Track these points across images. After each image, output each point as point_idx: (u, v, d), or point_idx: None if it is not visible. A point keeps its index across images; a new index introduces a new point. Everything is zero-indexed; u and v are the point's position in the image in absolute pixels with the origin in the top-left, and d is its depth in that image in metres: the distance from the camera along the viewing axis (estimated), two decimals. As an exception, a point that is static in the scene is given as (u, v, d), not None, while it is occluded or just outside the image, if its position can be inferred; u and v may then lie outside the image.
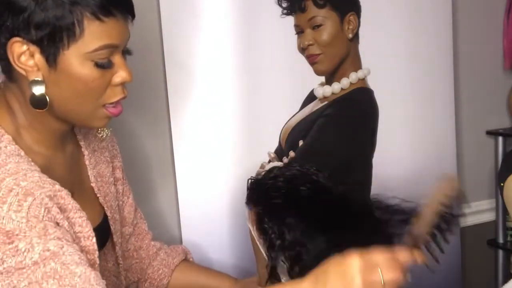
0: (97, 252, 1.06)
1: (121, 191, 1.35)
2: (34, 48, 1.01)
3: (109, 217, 1.26)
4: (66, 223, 1.00)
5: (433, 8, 2.02)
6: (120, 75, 1.08)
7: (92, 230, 1.05)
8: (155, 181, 1.76)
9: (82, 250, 1.03)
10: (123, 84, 1.09)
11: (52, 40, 1.01)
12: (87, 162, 1.23)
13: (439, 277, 2.09)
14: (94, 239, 1.05)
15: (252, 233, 1.27)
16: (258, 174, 1.57)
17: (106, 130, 1.27)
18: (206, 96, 1.74)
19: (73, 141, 1.22)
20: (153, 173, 1.75)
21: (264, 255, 1.25)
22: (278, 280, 1.25)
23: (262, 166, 1.80)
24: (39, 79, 1.03)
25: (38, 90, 1.03)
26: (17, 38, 1.01)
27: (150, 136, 1.74)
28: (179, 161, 1.74)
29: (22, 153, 1.04)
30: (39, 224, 0.94)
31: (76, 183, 1.19)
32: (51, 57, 1.02)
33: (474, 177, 2.24)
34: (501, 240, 2.28)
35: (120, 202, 1.35)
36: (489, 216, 2.29)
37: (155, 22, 1.69)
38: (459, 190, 1.13)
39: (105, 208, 1.25)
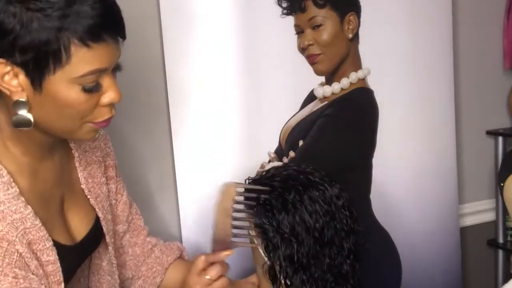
0: (61, 274, 1.10)
1: (114, 189, 1.34)
2: (18, 70, 0.98)
3: (101, 218, 1.26)
4: (35, 262, 1.05)
5: (433, 8, 2.01)
6: (109, 96, 1.04)
7: (57, 256, 1.09)
8: (155, 181, 1.76)
9: (50, 274, 1.08)
10: (111, 104, 1.06)
11: (37, 65, 0.97)
12: (77, 164, 1.23)
13: (439, 277, 2.10)
14: (58, 264, 1.09)
15: (250, 232, 1.27)
16: (258, 174, 1.57)
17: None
18: (206, 96, 1.74)
19: (63, 144, 1.21)
20: (153, 173, 1.75)
21: (262, 254, 1.26)
22: (276, 279, 1.25)
23: (262, 166, 1.80)
24: (23, 99, 1.00)
25: (22, 111, 1.00)
26: (1, 60, 0.97)
27: (150, 136, 1.74)
28: (179, 161, 1.73)
29: (4, 172, 1.04)
30: (11, 273, 1.00)
31: (66, 186, 1.19)
32: (36, 81, 0.99)
33: (474, 177, 2.24)
34: (501, 240, 2.28)
35: (113, 201, 1.34)
36: (489, 216, 2.29)
37: (155, 22, 1.69)
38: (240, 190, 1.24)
39: (97, 210, 1.25)
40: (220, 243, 1.24)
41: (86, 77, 0.99)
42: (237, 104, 1.78)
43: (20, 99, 1.00)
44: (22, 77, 0.99)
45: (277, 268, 1.23)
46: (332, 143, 1.87)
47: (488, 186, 2.28)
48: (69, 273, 1.17)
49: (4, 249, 1.00)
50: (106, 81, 1.03)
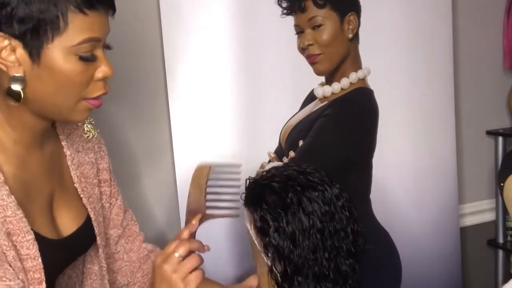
0: (42, 271, 1.07)
1: (108, 193, 1.33)
2: (16, 43, 1.00)
3: (92, 219, 1.24)
4: (12, 253, 1.02)
5: (433, 8, 2.01)
6: (102, 70, 1.07)
7: (38, 251, 1.07)
8: (154, 181, 1.76)
9: (29, 270, 1.05)
10: (104, 80, 1.09)
11: (36, 34, 0.99)
12: (69, 163, 1.22)
13: (439, 277, 2.10)
14: (40, 259, 1.07)
15: (250, 232, 1.27)
16: (258, 174, 1.57)
17: (93, 131, 1.25)
18: (206, 96, 1.74)
19: (54, 141, 1.21)
20: (153, 173, 1.75)
21: (262, 254, 1.26)
22: (276, 280, 1.25)
23: (262, 166, 1.80)
24: (20, 75, 1.01)
25: (17, 86, 1.02)
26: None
27: (150, 135, 1.74)
28: (179, 161, 1.73)
29: None
30: None
31: (57, 183, 1.18)
32: (34, 52, 1.01)
33: (474, 177, 2.24)
34: (501, 240, 2.28)
35: (107, 204, 1.33)
36: (489, 216, 2.29)
37: (155, 22, 1.69)
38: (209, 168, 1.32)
39: (89, 210, 1.24)
40: (194, 215, 1.28)
41: (82, 46, 1.02)
42: (237, 104, 1.78)
43: (17, 75, 1.01)
44: (20, 50, 1.00)
45: (277, 268, 1.23)
46: (332, 143, 1.87)
47: (488, 186, 2.28)
48: (52, 270, 1.14)
49: None
50: (99, 55, 1.06)
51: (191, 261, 1.20)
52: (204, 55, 1.72)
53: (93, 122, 1.26)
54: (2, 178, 1.04)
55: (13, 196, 1.04)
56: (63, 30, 1.00)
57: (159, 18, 1.68)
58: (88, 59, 1.04)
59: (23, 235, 1.05)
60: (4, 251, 1.02)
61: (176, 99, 1.72)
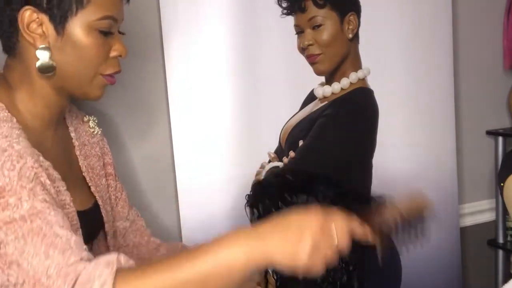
0: (77, 218, 1.13)
1: (113, 186, 1.37)
2: (43, 16, 1.09)
3: (101, 206, 1.28)
4: (52, 190, 1.05)
5: (433, 8, 2.02)
6: (117, 49, 1.16)
7: (71, 198, 1.11)
8: (155, 182, 1.76)
9: (67, 216, 1.07)
10: (118, 59, 1.18)
11: (62, 8, 1.09)
12: (77, 153, 1.27)
13: (439, 277, 2.10)
14: (74, 208, 1.12)
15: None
16: (258, 173, 1.57)
17: (97, 128, 1.33)
18: (206, 96, 1.74)
19: (65, 131, 1.26)
20: (153, 173, 1.75)
21: None
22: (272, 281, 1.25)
23: (262, 166, 1.80)
24: (46, 45, 1.10)
25: (44, 55, 1.10)
26: (28, 6, 1.09)
27: (150, 136, 1.74)
28: (179, 161, 1.73)
29: (15, 120, 1.08)
30: (29, 184, 1.00)
31: (66, 170, 1.20)
32: (59, 25, 1.10)
33: (474, 177, 2.24)
34: (501, 240, 2.28)
35: (113, 197, 1.37)
36: (489, 216, 2.29)
37: (155, 22, 1.69)
38: (423, 208, 1.18)
39: (97, 197, 1.28)
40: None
41: (102, 21, 1.12)
42: (237, 104, 1.78)
43: (43, 45, 1.10)
44: (46, 23, 1.10)
45: (271, 271, 1.23)
46: (332, 143, 1.87)
47: (488, 186, 2.28)
48: None
49: (23, 164, 1.01)
50: (115, 34, 1.16)
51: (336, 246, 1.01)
52: (204, 55, 1.72)
53: (96, 121, 1.34)
54: (25, 135, 1.07)
55: (36, 150, 1.08)
56: (86, 5, 1.10)
57: (159, 18, 1.68)
58: (106, 34, 1.13)
59: (59, 183, 1.10)
60: (46, 187, 1.04)
61: (176, 99, 1.72)
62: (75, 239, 0.99)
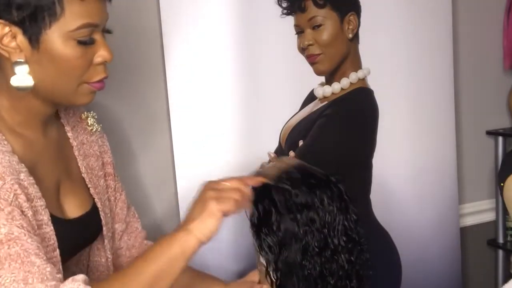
0: (55, 237, 1.10)
1: (113, 186, 1.35)
2: (16, 30, 1.04)
3: (100, 209, 1.26)
4: (30, 212, 1.04)
5: (433, 8, 2.02)
6: (101, 55, 1.10)
7: (50, 217, 1.09)
8: (155, 181, 1.76)
9: (44, 237, 1.07)
10: (104, 64, 1.11)
11: (34, 20, 1.03)
12: (76, 153, 1.24)
13: (439, 277, 2.10)
14: (52, 227, 1.09)
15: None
16: (258, 173, 1.56)
17: (96, 125, 1.29)
18: (206, 96, 1.74)
19: (60, 131, 1.23)
20: (153, 173, 1.75)
21: (257, 253, 1.26)
22: (272, 279, 1.25)
23: (262, 166, 1.80)
24: (22, 60, 1.05)
25: (22, 70, 1.05)
26: (0, 20, 1.03)
27: (150, 136, 1.74)
28: (179, 161, 1.73)
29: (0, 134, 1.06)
30: (7, 208, 0.99)
31: (63, 173, 1.19)
32: (34, 37, 1.04)
33: (474, 177, 2.24)
34: (501, 240, 2.28)
35: (113, 198, 1.35)
36: (489, 216, 2.29)
37: (155, 22, 1.69)
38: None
39: (96, 200, 1.25)
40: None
41: (80, 31, 1.05)
42: (237, 104, 1.78)
43: (19, 60, 1.05)
44: (20, 37, 1.04)
45: (271, 268, 1.23)
46: (332, 143, 1.87)
47: (488, 186, 2.28)
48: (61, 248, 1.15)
49: (2, 185, 1.00)
50: (98, 39, 1.09)
51: (234, 189, 1.16)
52: (204, 55, 1.72)
53: (96, 117, 1.30)
54: (11, 147, 1.07)
55: (23, 164, 1.06)
56: (60, 16, 1.03)
57: (159, 18, 1.68)
58: (86, 43, 1.07)
59: (37, 201, 1.07)
60: (21, 206, 1.03)
61: (176, 99, 1.72)
62: (49, 269, 1.00)
